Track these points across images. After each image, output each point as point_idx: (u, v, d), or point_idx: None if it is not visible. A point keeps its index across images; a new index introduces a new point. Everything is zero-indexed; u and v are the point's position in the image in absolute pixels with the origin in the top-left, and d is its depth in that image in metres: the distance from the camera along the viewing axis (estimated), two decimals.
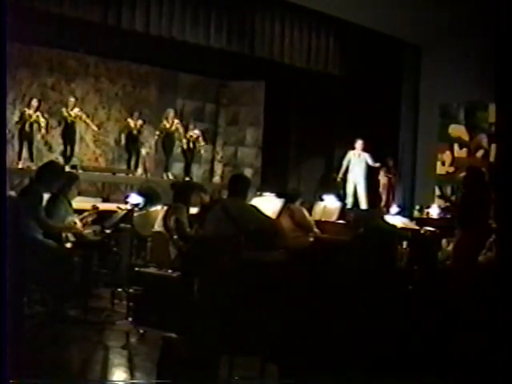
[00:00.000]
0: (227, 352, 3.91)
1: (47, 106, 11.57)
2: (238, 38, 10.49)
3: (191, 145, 12.65)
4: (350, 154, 12.09)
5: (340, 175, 12.11)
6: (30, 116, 10.84)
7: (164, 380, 3.81)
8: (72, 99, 11.36)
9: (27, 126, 10.83)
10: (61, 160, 10.88)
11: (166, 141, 12.32)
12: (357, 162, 12.06)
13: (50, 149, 11.58)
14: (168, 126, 12.21)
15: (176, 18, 9.75)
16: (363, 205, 12.00)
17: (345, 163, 12.10)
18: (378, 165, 12.04)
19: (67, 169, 11.02)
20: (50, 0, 8.59)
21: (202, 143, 12.79)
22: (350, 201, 12.00)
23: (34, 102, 10.94)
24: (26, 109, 10.91)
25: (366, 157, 12.02)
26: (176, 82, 13.37)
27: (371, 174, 12.18)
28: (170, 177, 12.21)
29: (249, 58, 10.88)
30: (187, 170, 12.73)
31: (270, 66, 11.43)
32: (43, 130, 11.00)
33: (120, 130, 12.32)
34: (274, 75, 12.56)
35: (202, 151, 13.05)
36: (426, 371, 3.15)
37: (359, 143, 12.00)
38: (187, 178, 12.43)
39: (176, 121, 12.29)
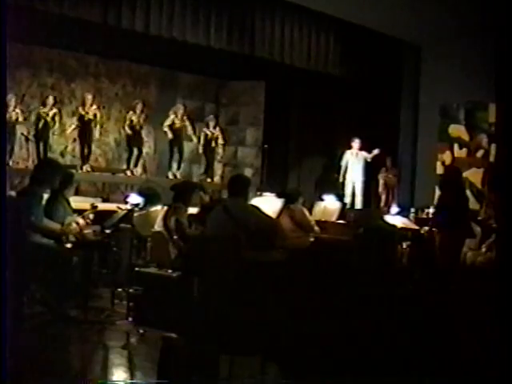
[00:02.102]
0: (227, 352, 3.90)
1: None
2: (238, 38, 10.49)
3: (213, 143, 12.57)
4: (348, 154, 12.09)
5: (341, 176, 12.10)
6: (47, 114, 10.86)
7: (164, 380, 3.81)
8: (89, 96, 11.31)
9: (41, 124, 10.84)
10: (61, 161, 10.84)
11: (175, 138, 12.13)
12: (355, 161, 12.05)
13: (50, 149, 11.56)
14: (177, 122, 12.11)
15: (176, 18, 9.75)
16: (360, 204, 11.97)
17: (343, 163, 12.10)
18: (376, 151, 11.90)
19: (85, 169, 11.13)
20: (49, 0, 8.60)
21: (222, 142, 12.72)
22: (348, 200, 11.97)
23: (50, 100, 10.95)
24: (41, 107, 10.93)
25: (364, 155, 12.00)
26: (176, 81, 13.36)
27: (369, 173, 12.16)
28: (178, 177, 12.00)
29: (249, 57, 10.88)
30: (207, 171, 12.65)
31: (270, 65, 11.43)
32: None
33: (122, 124, 12.06)
34: (274, 75, 12.56)
35: (221, 151, 12.92)
36: (426, 371, 3.15)
37: (356, 142, 11.98)
38: (208, 179, 12.45)
39: (185, 117, 12.20)
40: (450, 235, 6.49)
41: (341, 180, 12.12)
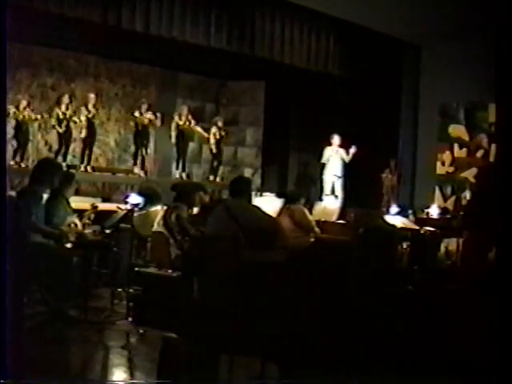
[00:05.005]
0: (227, 352, 3.90)
1: (47, 106, 11.58)
2: (238, 38, 10.49)
3: (219, 144, 12.70)
4: (328, 150, 11.99)
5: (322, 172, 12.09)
6: (64, 114, 10.90)
7: (164, 380, 3.81)
8: (92, 95, 11.34)
9: (64, 125, 10.92)
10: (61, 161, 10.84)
11: (180, 139, 12.22)
12: (334, 158, 11.97)
13: (50, 149, 11.58)
14: (181, 123, 12.16)
15: (176, 18, 9.76)
16: (340, 201, 11.87)
17: (324, 160, 12.03)
18: (353, 150, 11.73)
19: (85, 169, 11.16)
20: (49, 0, 8.60)
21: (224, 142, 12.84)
22: (328, 198, 11.87)
23: (66, 99, 10.99)
24: (56, 107, 10.96)
25: (342, 153, 11.93)
26: (176, 82, 13.37)
27: (349, 170, 12.09)
28: (184, 177, 12.15)
29: (249, 57, 10.88)
30: (214, 171, 12.77)
31: (270, 65, 11.44)
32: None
33: (129, 123, 12.13)
34: (274, 75, 12.56)
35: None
36: (426, 372, 3.15)
37: (336, 139, 11.89)
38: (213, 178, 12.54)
39: (190, 117, 12.27)
40: (480, 236, 6.41)
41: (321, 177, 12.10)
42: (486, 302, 3.27)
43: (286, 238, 6.31)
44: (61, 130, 10.98)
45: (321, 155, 12.04)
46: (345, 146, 12.00)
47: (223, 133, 12.74)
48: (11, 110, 10.42)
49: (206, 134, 12.59)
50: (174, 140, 12.24)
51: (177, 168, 12.31)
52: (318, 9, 11.03)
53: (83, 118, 11.16)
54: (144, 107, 11.83)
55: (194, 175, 13.14)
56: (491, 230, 6.40)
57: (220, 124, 12.72)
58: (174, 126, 12.17)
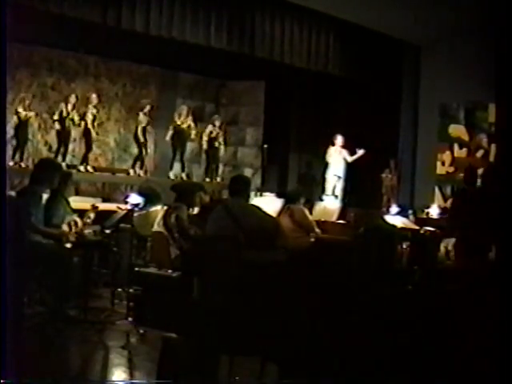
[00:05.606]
0: (227, 352, 3.90)
1: (47, 106, 11.58)
2: (238, 38, 10.49)
3: (216, 143, 12.68)
4: (331, 151, 11.99)
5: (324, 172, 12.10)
6: (68, 113, 10.93)
7: (164, 380, 3.81)
8: (94, 95, 11.36)
9: (66, 124, 10.95)
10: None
11: (178, 139, 12.23)
12: (337, 158, 11.98)
13: (50, 149, 11.58)
14: (179, 123, 12.17)
15: (176, 18, 9.76)
16: (340, 201, 11.88)
17: (328, 160, 12.04)
18: (361, 152, 11.74)
19: (85, 169, 11.19)
20: (50, 0, 8.60)
21: (222, 142, 12.84)
22: (328, 198, 11.89)
23: (73, 99, 11.01)
24: (62, 105, 10.96)
25: (345, 153, 11.94)
26: (176, 82, 13.37)
27: (350, 170, 12.11)
28: (184, 177, 12.18)
29: (249, 57, 10.88)
30: (207, 171, 12.77)
31: (270, 65, 11.44)
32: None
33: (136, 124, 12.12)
34: (274, 75, 12.56)
35: (222, 151, 13.01)
36: (426, 372, 3.15)
37: (339, 139, 11.90)
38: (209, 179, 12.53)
39: (189, 118, 12.29)
40: (470, 235, 6.42)
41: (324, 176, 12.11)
42: (485, 302, 3.26)
43: (286, 237, 6.31)
44: (61, 130, 10.97)
45: (324, 155, 12.05)
46: (346, 146, 12.01)
47: (220, 132, 12.71)
48: (12, 109, 10.44)
49: (204, 138, 12.54)
50: (172, 140, 12.22)
51: (171, 168, 12.27)
52: (318, 9, 11.03)
53: (89, 118, 11.16)
54: (147, 108, 11.84)
55: (193, 175, 13.14)
56: (484, 230, 6.41)
57: (217, 123, 12.70)
58: (172, 126, 12.16)
